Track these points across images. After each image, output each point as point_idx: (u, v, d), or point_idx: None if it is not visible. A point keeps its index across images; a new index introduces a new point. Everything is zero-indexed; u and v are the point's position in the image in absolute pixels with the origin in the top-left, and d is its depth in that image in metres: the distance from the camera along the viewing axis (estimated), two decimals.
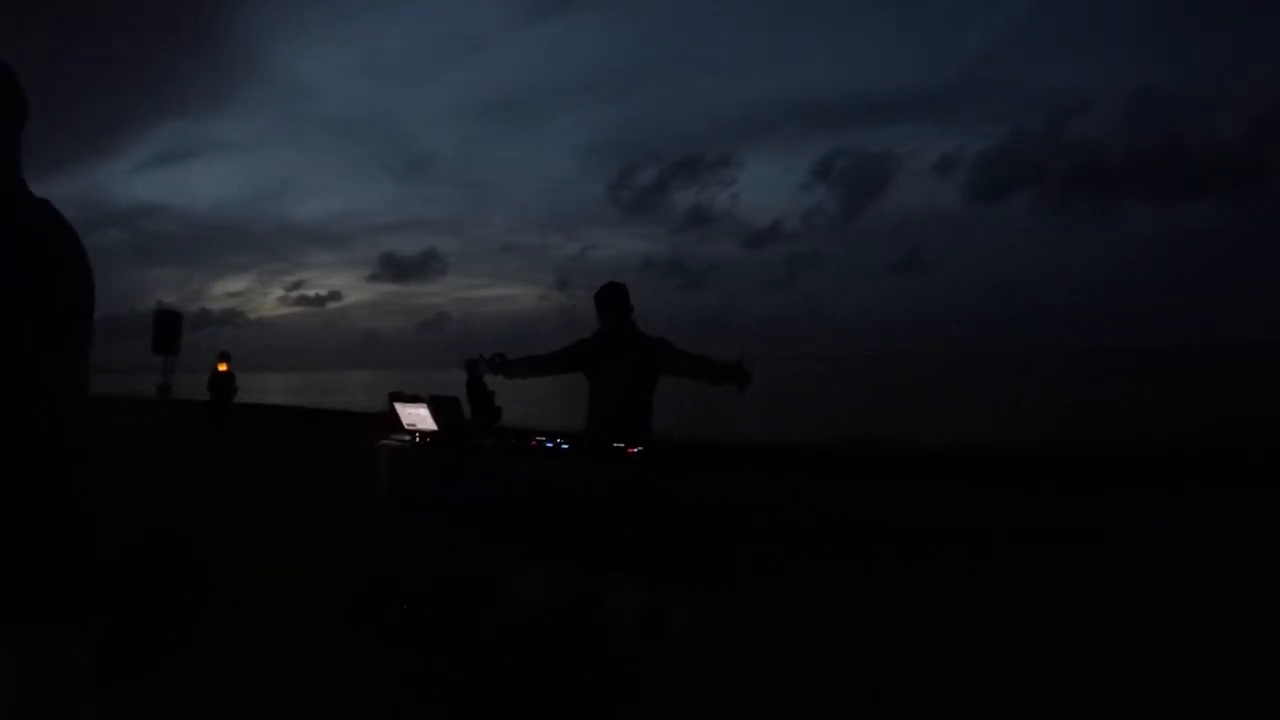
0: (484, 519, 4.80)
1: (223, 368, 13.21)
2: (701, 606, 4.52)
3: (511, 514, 4.60)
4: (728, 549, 5.25)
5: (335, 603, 4.56)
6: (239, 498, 7.68)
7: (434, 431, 5.24)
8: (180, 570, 4.11)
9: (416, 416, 5.41)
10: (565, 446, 4.45)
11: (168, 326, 12.48)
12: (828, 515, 6.39)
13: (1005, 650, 4.01)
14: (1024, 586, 5.05)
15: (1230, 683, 3.56)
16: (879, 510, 6.98)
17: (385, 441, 5.34)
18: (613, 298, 4.55)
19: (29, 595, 1.32)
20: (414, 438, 5.28)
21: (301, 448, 13.84)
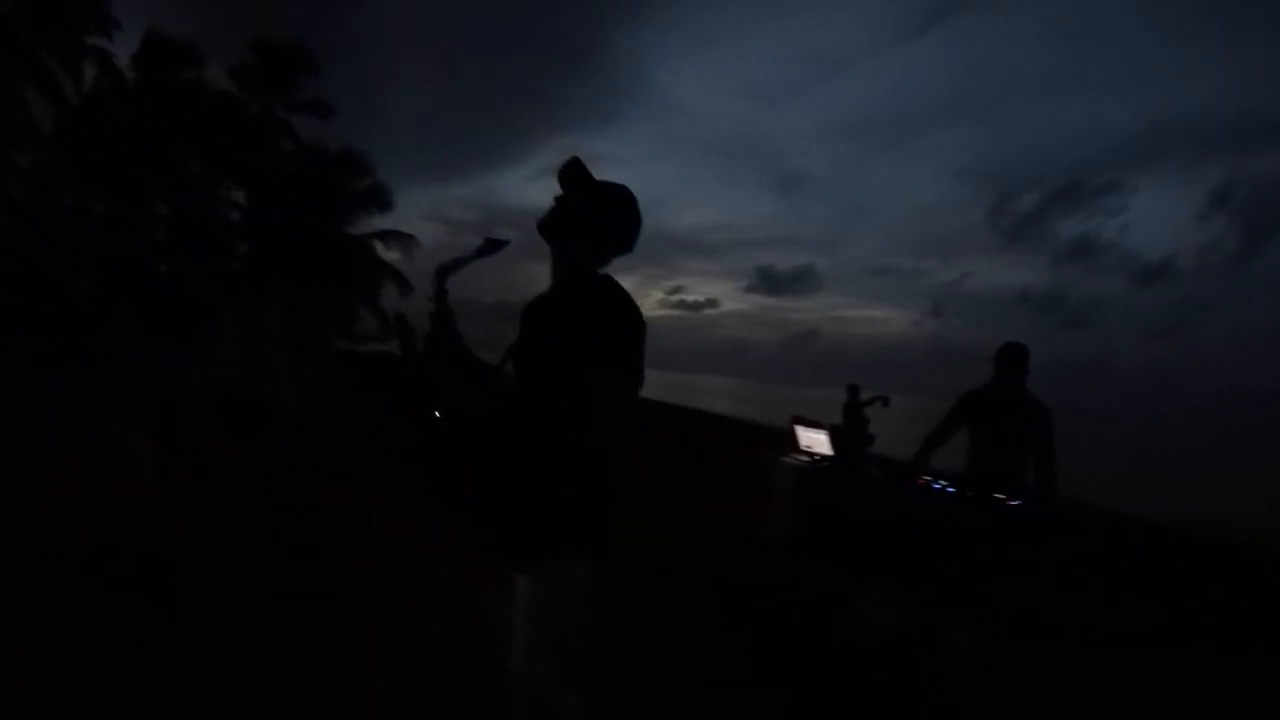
0: (853, 537, 5.33)
1: None
2: (1042, 655, 4.48)
3: (882, 537, 5.02)
4: (1078, 602, 5.14)
5: (719, 585, 5.19)
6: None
7: (829, 456, 5.90)
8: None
9: (814, 440, 6.12)
10: (951, 491, 4.76)
11: None
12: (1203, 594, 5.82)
13: None
14: None
15: None
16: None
17: (785, 459, 6.08)
18: (1016, 359, 4.67)
19: (580, 540, 2.01)
20: (810, 459, 5.94)
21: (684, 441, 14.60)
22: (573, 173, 2.13)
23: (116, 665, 3.18)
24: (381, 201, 28.59)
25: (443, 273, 2.13)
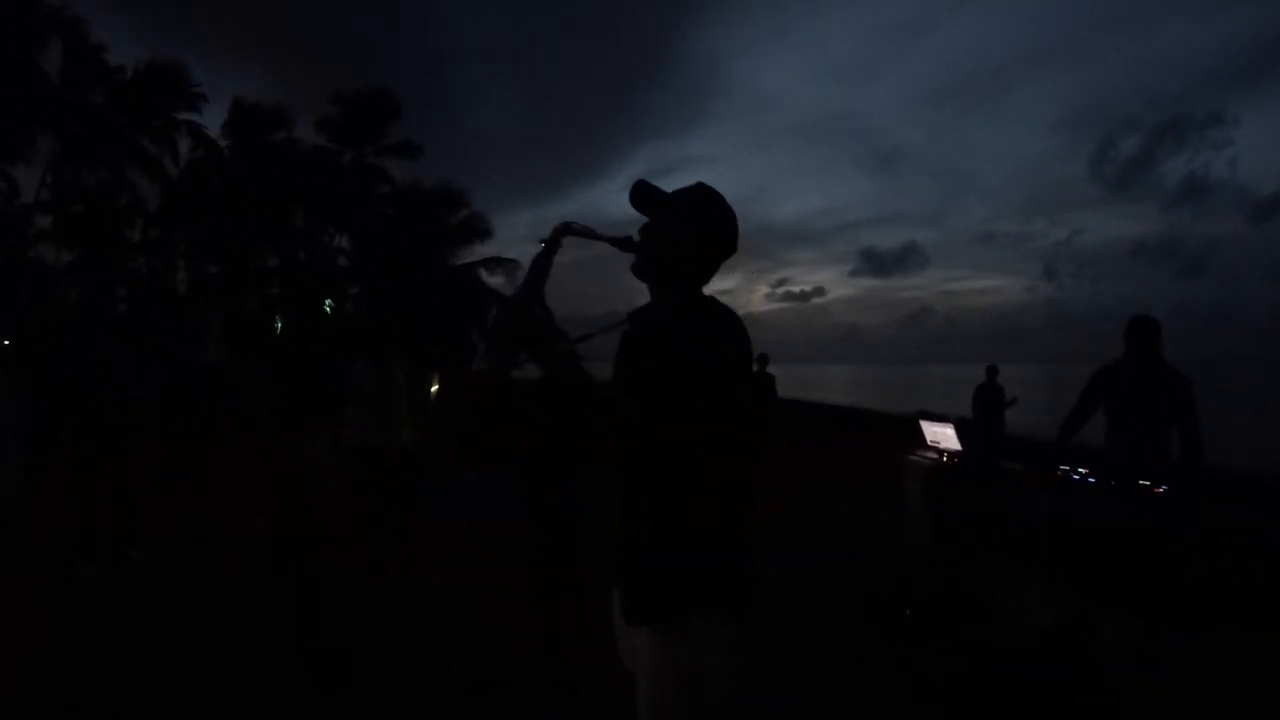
0: (994, 537, 5.05)
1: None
2: (1204, 648, 4.16)
3: (1024, 535, 4.76)
4: (1246, 585, 4.78)
5: (853, 596, 4.90)
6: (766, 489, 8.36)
7: (958, 451, 5.46)
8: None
9: (942, 435, 5.67)
10: (1092, 481, 4.42)
11: None
12: None
13: None
14: None
15: None
16: None
17: (912, 458, 5.65)
18: (1146, 334, 4.38)
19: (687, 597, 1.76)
20: (939, 455, 5.51)
21: (816, 445, 14.22)
22: (644, 194, 1.90)
23: None
24: (480, 231, 29.31)
25: (566, 229, 1.91)
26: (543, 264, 1.86)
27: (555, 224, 1.91)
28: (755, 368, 9.62)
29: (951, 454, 5.47)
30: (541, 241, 1.89)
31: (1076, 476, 4.49)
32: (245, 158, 23.63)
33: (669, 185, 1.89)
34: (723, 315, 1.81)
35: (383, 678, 3.72)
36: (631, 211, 1.94)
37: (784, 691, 3.59)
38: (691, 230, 1.88)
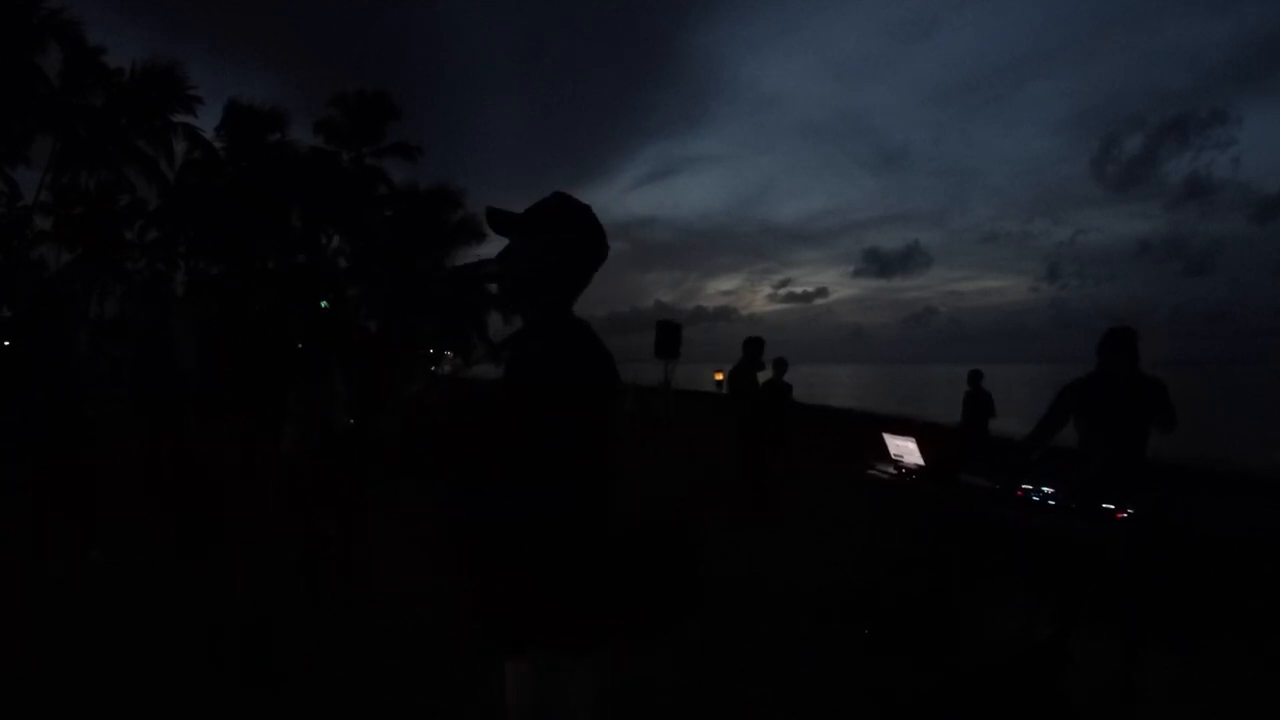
0: (965, 544, 4.99)
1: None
2: (1183, 670, 4.10)
3: (997, 546, 4.69)
4: (1231, 601, 4.72)
5: (824, 603, 5.01)
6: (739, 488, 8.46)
7: (920, 466, 5.42)
8: (669, 564, 4.75)
9: (904, 449, 5.63)
10: (1052, 503, 4.31)
11: (669, 335, 14.04)
12: None
13: None
14: None
15: None
16: None
17: (871, 472, 5.63)
18: (1123, 343, 4.35)
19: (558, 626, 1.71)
20: (900, 471, 5.48)
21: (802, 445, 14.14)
22: (495, 219, 1.82)
23: None
24: (476, 232, 29.40)
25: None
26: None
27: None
28: (771, 374, 9.65)
29: (910, 469, 5.42)
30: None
31: (1037, 498, 4.39)
32: (241, 159, 23.73)
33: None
34: (590, 345, 1.77)
35: (330, 678, 3.75)
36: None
37: (766, 704, 3.64)
38: (543, 245, 1.80)
